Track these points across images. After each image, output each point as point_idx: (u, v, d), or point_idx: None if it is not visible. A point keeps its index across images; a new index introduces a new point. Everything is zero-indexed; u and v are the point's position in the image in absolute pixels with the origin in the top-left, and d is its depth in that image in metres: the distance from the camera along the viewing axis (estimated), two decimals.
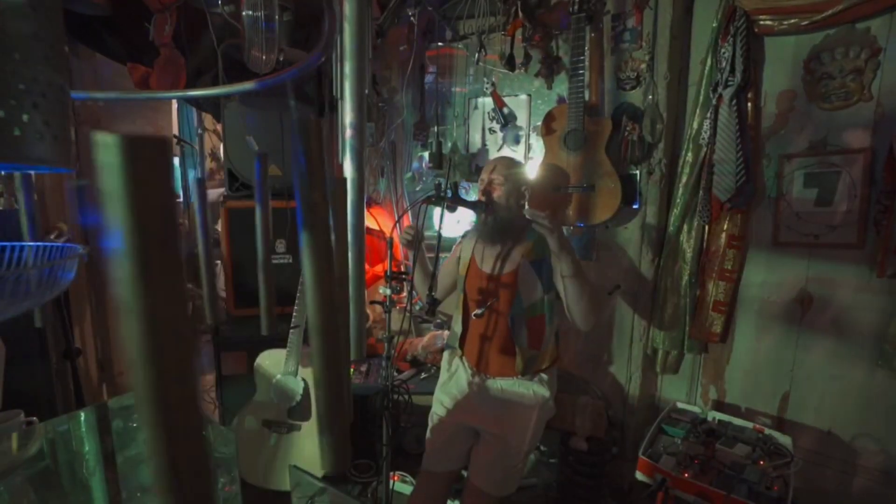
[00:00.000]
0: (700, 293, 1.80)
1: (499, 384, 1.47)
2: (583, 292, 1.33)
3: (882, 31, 1.46)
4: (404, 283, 1.57)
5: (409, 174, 2.43)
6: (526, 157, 2.12)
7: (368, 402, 2.07)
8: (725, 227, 1.74)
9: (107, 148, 0.17)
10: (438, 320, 2.32)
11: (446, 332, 1.64)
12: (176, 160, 3.53)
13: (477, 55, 2.04)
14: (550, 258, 1.43)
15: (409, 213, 2.33)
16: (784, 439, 1.57)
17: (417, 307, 2.32)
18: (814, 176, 1.61)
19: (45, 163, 0.48)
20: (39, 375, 1.80)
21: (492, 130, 2.20)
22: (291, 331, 1.74)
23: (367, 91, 0.39)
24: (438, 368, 1.68)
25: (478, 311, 1.43)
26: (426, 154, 2.32)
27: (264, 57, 1.58)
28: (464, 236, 1.66)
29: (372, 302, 1.84)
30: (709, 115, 1.68)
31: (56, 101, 0.47)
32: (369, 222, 2.36)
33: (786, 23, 1.56)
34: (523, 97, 2.11)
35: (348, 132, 0.37)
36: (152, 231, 0.18)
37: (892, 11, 1.44)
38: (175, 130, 3.69)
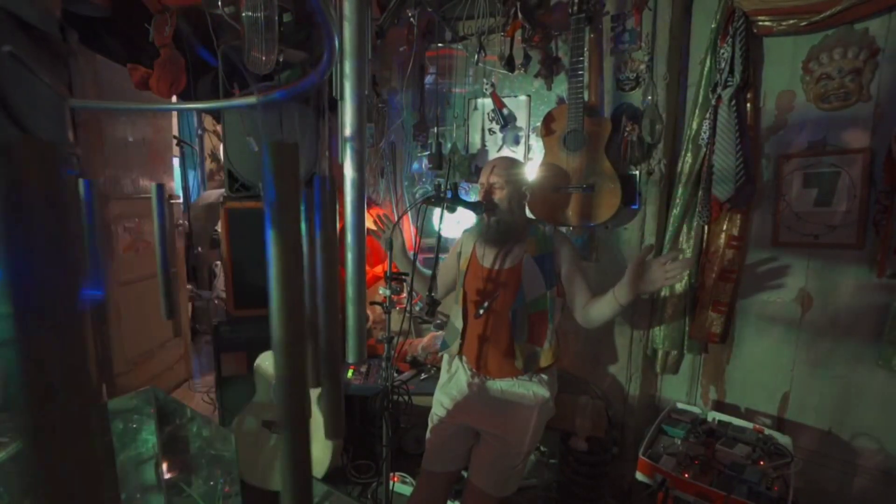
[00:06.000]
0: (700, 293, 1.80)
1: (499, 385, 1.47)
2: (614, 314, 1.38)
3: (881, 31, 1.47)
4: (404, 284, 1.57)
5: (407, 183, 2.44)
6: (526, 158, 2.13)
7: (368, 403, 2.07)
8: (725, 227, 1.74)
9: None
10: (438, 321, 2.32)
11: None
12: (175, 161, 3.53)
13: (476, 56, 2.04)
14: (554, 254, 1.43)
15: (409, 213, 2.33)
16: (784, 439, 1.57)
17: (417, 308, 2.32)
18: (813, 176, 1.62)
19: None
20: None
21: (491, 131, 2.20)
22: None
23: (366, 92, 0.39)
24: (438, 369, 1.68)
25: (479, 311, 1.43)
26: (426, 155, 2.33)
27: (264, 58, 1.58)
28: (465, 231, 1.65)
29: (372, 303, 1.84)
30: (708, 115, 1.68)
31: (50, 103, 0.47)
32: (369, 223, 2.37)
33: (784, 23, 1.56)
34: (523, 98, 2.11)
35: (349, 132, 0.37)
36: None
37: (890, 12, 1.45)
38: (175, 131, 3.69)
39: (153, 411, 1.20)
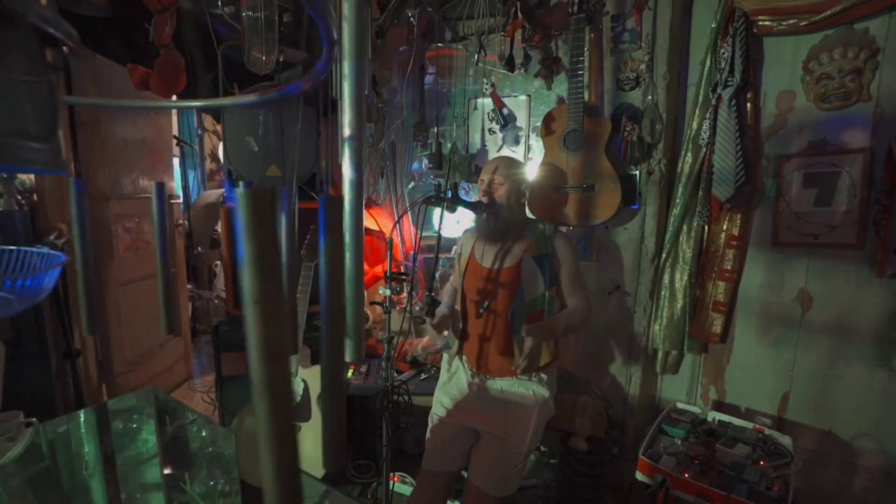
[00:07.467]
0: (700, 293, 1.80)
1: (499, 385, 1.47)
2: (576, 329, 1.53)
3: (881, 31, 1.47)
4: (404, 284, 1.57)
5: (412, 185, 2.44)
6: (526, 158, 2.12)
7: (368, 403, 2.07)
8: (725, 227, 1.74)
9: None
10: None
11: (446, 333, 1.64)
12: (176, 161, 3.53)
13: (476, 56, 2.04)
14: (553, 254, 1.43)
15: (409, 213, 2.33)
16: (784, 439, 1.57)
17: (417, 308, 2.32)
18: (813, 176, 1.62)
19: (36, 164, 0.49)
20: (39, 376, 1.80)
21: (491, 131, 2.20)
22: None
23: (366, 92, 0.39)
24: (438, 369, 1.67)
25: (479, 311, 1.43)
26: (425, 155, 2.33)
27: (264, 58, 1.58)
28: (465, 232, 1.66)
29: (372, 303, 1.84)
30: (708, 115, 1.68)
31: (44, 106, 0.47)
32: (369, 223, 2.37)
33: (785, 23, 1.56)
34: (523, 98, 2.11)
35: (347, 132, 0.37)
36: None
37: (890, 12, 1.44)
38: (175, 131, 3.69)
39: (153, 411, 1.20)
